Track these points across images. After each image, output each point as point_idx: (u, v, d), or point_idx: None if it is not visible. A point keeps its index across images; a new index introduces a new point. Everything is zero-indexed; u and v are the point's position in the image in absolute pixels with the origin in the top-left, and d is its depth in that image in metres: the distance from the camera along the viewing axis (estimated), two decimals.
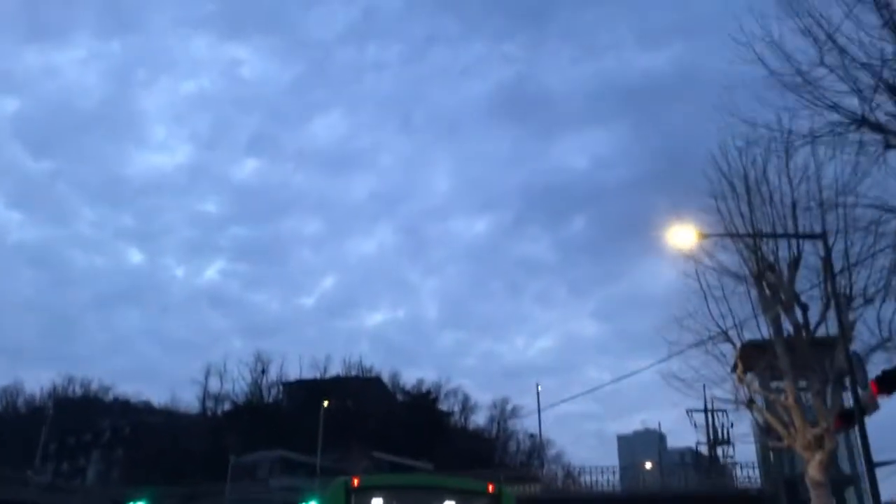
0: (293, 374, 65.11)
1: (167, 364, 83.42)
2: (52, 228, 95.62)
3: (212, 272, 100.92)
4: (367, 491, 9.24)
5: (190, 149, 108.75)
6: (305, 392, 60.48)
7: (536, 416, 41.44)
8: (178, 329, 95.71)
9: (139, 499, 28.09)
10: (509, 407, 66.43)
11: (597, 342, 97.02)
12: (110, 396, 70.46)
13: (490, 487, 9.40)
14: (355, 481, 9.28)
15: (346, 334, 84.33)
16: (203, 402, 64.64)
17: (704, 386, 15.31)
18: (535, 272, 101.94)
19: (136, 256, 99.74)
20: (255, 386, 65.19)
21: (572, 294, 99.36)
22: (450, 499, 9.16)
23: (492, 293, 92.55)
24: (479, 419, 68.60)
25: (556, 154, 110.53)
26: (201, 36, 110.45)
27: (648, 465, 40.54)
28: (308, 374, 65.05)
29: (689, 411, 33.98)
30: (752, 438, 21.65)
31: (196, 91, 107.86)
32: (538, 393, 41.00)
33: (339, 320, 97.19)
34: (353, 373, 66.38)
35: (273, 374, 65.82)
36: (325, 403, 43.59)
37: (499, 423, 67.20)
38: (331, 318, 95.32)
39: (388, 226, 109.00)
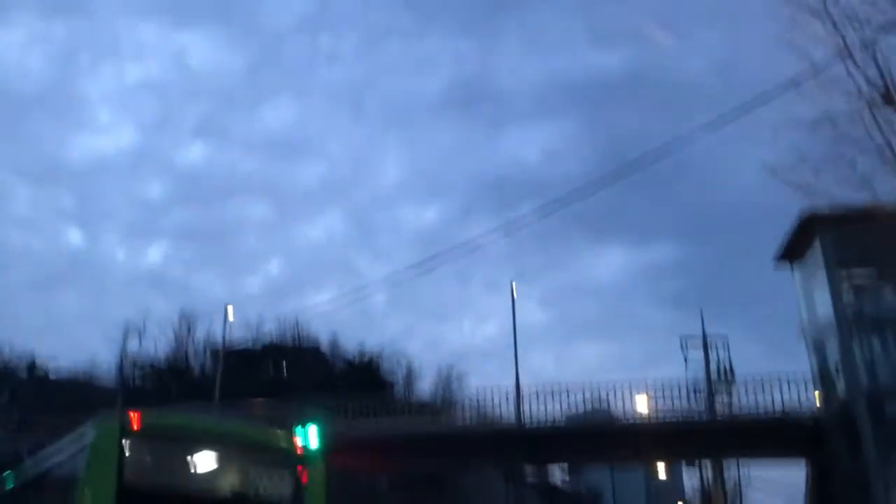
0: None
1: (106, 347, 77.00)
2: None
3: (154, 254, 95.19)
4: (150, 436, 7.15)
5: (134, 133, 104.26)
6: (236, 357, 55.41)
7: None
8: (117, 311, 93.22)
9: None
10: (454, 373, 62.77)
11: (542, 327, 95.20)
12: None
13: (297, 445, 7.98)
14: (135, 422, 7.00)
15: (290, 316, 79.23)
16: (120, 364, 58.54)
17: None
18: (481, 259, 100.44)
19: (75, 237, 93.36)
20: (181, 349, 59.70)
21: (519, 281, 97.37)
22: (252, 452, 7.66)
23: (439, 279, 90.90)
24: (424, 387, 64.71)
25: (507, 147, 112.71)
26: (149, 22, 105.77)
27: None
28: (240, 342, 59.69)
29: (682, 339, 30.97)
30: None
31: (143, 77, 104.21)
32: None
33: (283, 302, 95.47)
34: (290, 339, 61.55)
35: (200, 338, 60.28)
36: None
37: (443, 391, 63.41)
38: (275, 301, 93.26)
39: (336, 212, 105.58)
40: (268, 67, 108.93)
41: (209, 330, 59.36)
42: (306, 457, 7.88)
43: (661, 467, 53.96)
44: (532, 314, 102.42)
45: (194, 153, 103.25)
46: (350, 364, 62.11)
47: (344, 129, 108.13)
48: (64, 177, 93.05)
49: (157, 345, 58.73)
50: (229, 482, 7.62)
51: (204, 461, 7.59)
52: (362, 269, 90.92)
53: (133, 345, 56.71)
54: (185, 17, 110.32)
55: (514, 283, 36.11)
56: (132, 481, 6.93)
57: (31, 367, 60.87)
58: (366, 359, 62.24)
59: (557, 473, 59.51)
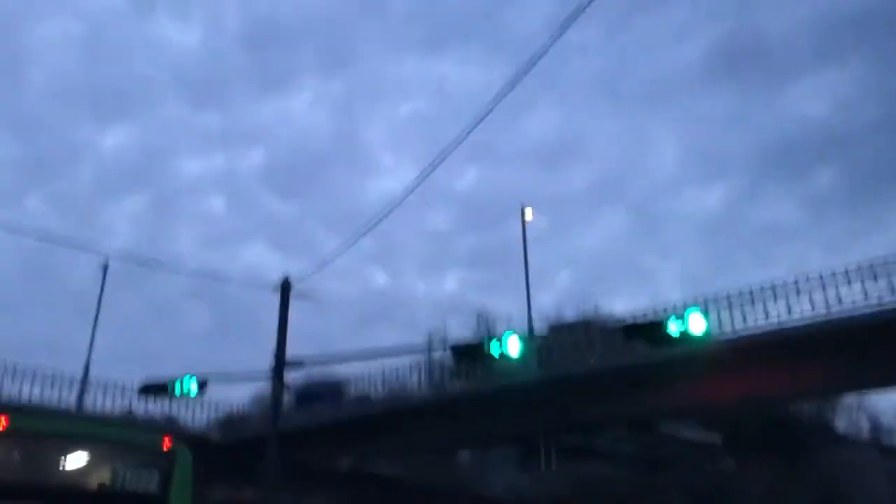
0: None
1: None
2: (309, 264, 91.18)
3: (450, 283, 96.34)
4: (14, 435, 7.37)
5: (413, 167, 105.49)
6: None
7: None
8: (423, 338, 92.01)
9: None
10: None
11: None
12: None
13: (165, 443, 8.10)
14: (2, 421, 7.21)
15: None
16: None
17: None
18: (781, 237, 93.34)
19: (380, 278, 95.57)
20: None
21: (830, 254, 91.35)
22: (118, 450, 7.93)
23: (736, 266, 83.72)
24: None
25: (788, 106, 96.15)
26: (408, 57, 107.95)
27: None
28: None
29: None
30: None
31: (412, 111, 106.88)
32: None
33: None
34: None
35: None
36: None
37: None
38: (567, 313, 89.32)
39: (613, 212, 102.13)
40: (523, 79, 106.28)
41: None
42: (173, 454, 8.08)
43: None
44: None
45: (469, 177, 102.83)
46: None
47: (606, 122, 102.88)
48: (363, 221, 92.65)
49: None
50: (96, 479, 7.77)
51: (71, 460, 7.78)
52: (652, 268, 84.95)
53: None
54: (437, 45, 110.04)
55: None
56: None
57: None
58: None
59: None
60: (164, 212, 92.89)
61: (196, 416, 27.59)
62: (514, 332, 13.77)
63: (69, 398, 24.69)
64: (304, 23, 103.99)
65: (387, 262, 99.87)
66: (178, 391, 16.07)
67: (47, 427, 8.32)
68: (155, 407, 26.21)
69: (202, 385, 16.30)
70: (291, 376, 17.03)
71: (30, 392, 23.64)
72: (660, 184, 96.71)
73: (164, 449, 8.01)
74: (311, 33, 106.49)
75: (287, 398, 17.24)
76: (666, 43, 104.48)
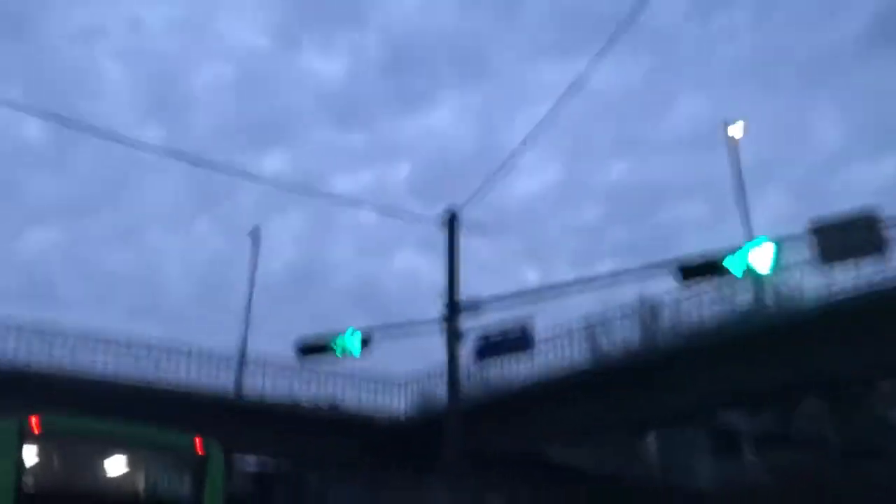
0: None
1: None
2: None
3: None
4: (49, 437, 7.32)
5: (558, 167, 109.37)
6: None
7: None
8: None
9: None
10: None
11: None
12: None
13: (197, 445, 8.05)
14: (34, 423, 7.18)
15: None
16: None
17: None
18: None
19: (532, 276, 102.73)
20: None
21: None
22: (151, 454, 7.98)
23: None
24: None
25: None
26: (546, 62, 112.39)
27: None
28: None
29: None
30: None
31: (554, 113, 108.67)
32: None
33: None
34: None
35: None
36: None
37: None
38: None
39: (776, 192, 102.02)
40: (665, 68, 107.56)
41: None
42: (206, 457, 8.06)
43: None
44: None
45: (616, 171, 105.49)
46: None
47: (759, 105, 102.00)
48: (510, 221, 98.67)
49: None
50: (130, 482, 7.79)
51: (104, 463, 7.80)
52: None
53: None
54: (574, 46, 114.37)
55: None
56: (32, 483, 7.16)
57: None
58: None
59: None
60: (321, 227, 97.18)
61: (363, 397, 24.99)
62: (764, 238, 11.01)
63: (227, 378, 22.90)
64: (440, 40, 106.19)
65: (538, 260, 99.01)
66: (338, 350, 13.12)
67: (80, 430, 8.24)
68: (316, 388, 24.14)
69: (365, 341, 13.26)
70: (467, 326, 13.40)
71: (187, 371, 22.11)
72: (823, 161, 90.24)
73: (197, 452, 7.98)
74: (448, 49, 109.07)
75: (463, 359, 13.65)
76: (821, 19, 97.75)
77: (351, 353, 13.11)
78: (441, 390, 24.82)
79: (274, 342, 23.21)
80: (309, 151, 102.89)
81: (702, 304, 19.76)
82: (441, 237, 14.63)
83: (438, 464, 25.07)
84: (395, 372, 25.66)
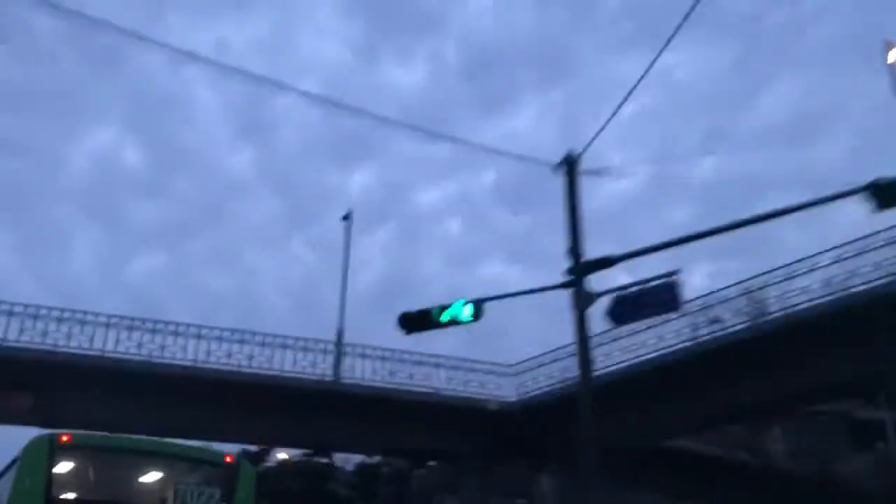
0: None
1: None
2: (543, 275, 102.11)
3: (699, 277, 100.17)
4: (79, 451, 7.70)
5: (645, 168, 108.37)
6: None
7: None
8: None
9: None
10: None
11: None
12: None
13: (227, 458, 8.38)
14: (64, 437, 7.59)
15: None
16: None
17: None
18: None
19: (623, 278, 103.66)
20: None
21: None
22: (180, 468, 8.00)
23: None
24: None
25: None
26: (630, 56, 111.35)
27: None
28: None
29: None
30: None
31: (639, 110, 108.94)
32: None
33: None
34: None
35: None
36: None
37: None
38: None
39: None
40: (752, 54, 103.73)
41: None
42: (236, 469, 8.09)
43: None
44: None
45: (705, 167, 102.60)
46: None
47: (860, 86, 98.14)
48: (599, 225, 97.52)
49: None
50: (158, 496, 7.71)
51: (133, 476, 7.90)
52: None
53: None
54: (654, 37, 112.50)
55: None
56: (60, 495, 7.37)
57: None
58: None
59: None
60: (409, 239, 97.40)
61: (468, 384, 23.22)
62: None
63: (324, 365, 21.58)
64: (518, 42, 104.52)
65: (628, 263, 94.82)
66: (443, 317, 11.32)
67: (108, 445, 8.37)
68: (418, 376, 22.54)
69: (478, 308, 11.38)
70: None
71: (282, 361, 20.94)
72: None
73: (227, 465, 8.07)
74: (527, 51, 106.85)
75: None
76: None
77: (460, 319, 11.29)
78: (550, 377, 23.05)
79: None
80: (394, 164, 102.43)
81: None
82: (561, 187, 12.54)
83: (551, 455, 23.24)
84: (504, 357, 23.89)
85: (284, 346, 21.16)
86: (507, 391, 23.60)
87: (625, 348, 20.55)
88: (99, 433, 9.26)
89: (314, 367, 21.30)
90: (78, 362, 18.77)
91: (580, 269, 11.13)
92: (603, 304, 11.10)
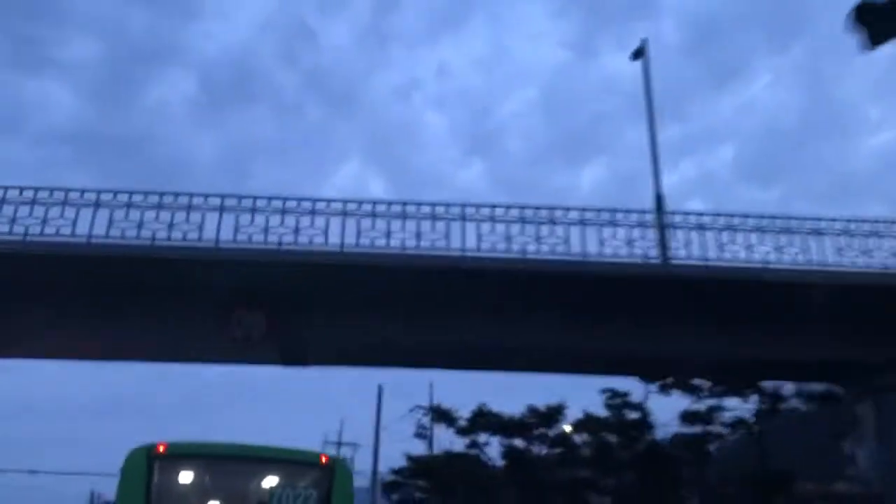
0: None
1: None
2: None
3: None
4: (175, 460, 7.88)
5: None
6: None
7: None
8: None
9: None
10: None
11: None
12: None
13: (323, 458, 8.29)
14: (161, 448, 7.77)
15: None
16: None
17: None
18: None
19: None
20: None
21: None
22: (274, 471, 7.98)
23: None
24: None
25: None
26: None
27: None
28: None
29: None
30: None
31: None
32: None
33: None
34: None
35: None
36: None
37: None
38: None
39: None
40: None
41: None
42: (331, 469, 8.09)
43: None
44: None
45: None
46: None
47: None
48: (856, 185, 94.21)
49: None
50: (254, 498, 7.95)
51: (230, 480, 8.09)
52: None
53: None
54: None
55: None
56: (161, 501, 7.56)
57: None
58: None
59: None
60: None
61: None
62: None
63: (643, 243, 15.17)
64: (742, 4, 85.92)
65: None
66: None
67: (204, 450, 8.47)
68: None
69: None
70: None
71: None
72: None
73: (323, 466, 8.10)
74: (753, 13, 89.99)
75: None
76: None
77: None
78: None
79: None
80: (625, 154, 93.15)
81: None
82: None
83: None
84: None
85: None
86: None
87: None
88: (194, 441, 8.73)
89: (630, 246, 15.04)
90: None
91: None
92: None
